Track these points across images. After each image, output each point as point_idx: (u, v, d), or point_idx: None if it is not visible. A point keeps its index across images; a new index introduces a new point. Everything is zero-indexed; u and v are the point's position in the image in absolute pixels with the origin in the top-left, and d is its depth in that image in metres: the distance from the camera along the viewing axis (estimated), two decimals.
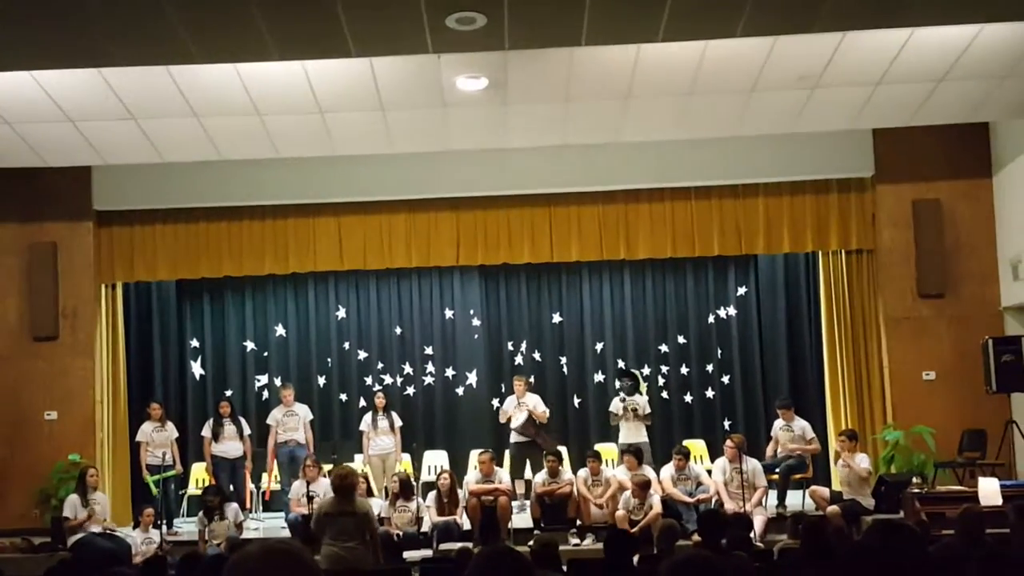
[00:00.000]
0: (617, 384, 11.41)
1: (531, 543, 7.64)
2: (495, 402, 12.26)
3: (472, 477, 10.20)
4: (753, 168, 11.18)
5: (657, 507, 9.55)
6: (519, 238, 11.46)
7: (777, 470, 10.38)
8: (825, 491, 10.15)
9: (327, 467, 10.20)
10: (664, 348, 12.63)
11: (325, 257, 11.53)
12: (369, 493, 10.11)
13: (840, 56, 8.41)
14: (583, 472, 10.18)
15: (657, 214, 11.42)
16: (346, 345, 12.75)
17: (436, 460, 11.90)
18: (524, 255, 11.55)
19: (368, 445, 11.12)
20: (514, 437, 10.98)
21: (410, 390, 12.62)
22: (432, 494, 10.05)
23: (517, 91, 8.90)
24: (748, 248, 11.53)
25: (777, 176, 11.27)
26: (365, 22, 6.95)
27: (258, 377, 12.67)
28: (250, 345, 12.73)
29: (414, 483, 10.25)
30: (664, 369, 12.57)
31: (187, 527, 10.61)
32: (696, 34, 7.72)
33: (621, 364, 12.44)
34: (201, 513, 9.69)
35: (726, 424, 12.40)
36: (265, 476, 11.26)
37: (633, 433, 10.80)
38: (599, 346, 12.66)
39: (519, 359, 12.62)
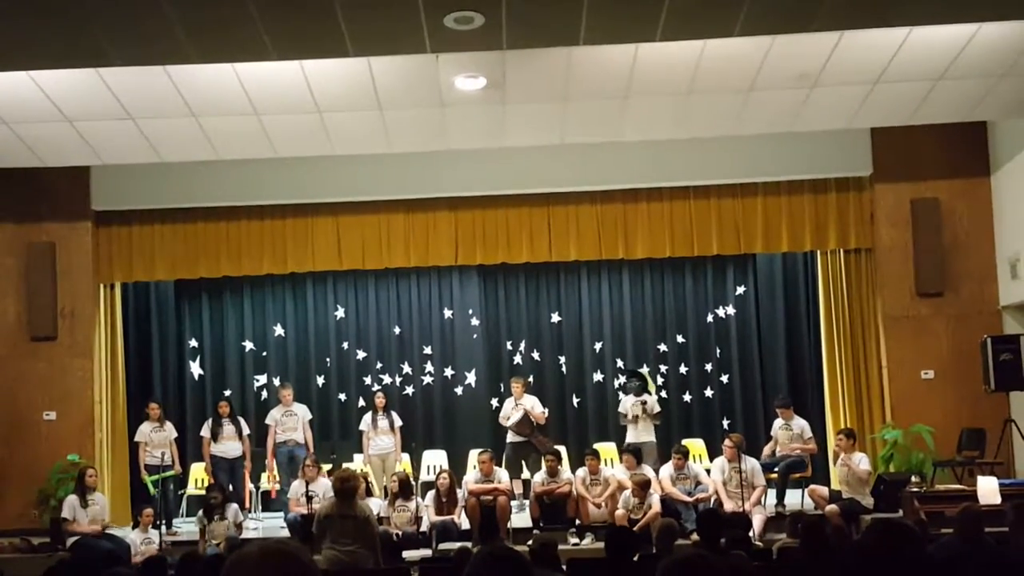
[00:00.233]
0: (623, 383, 11.40)
1: (530, 543, 7.66)
2: (494, 402, 12.28)
3: (472, 477, 10.20)
4: (751, 167, 11.18)
5: (656, 506, 9.55)
6: (518, 238, 11.46)
7: (776, 469, 10.38)
8: (824, 490, 10.17)
9: (326, 467, 10.23)
10: (663, 347, 12.63)
11: (323, 257, 11.53)
12: (369, 493, 10.12)
13: (838, 55, 8.41)
14: (582, 471, 10.18)
15: (655, 213, 11.42)
16: (345, 345, 12.75)
17: (435, 460, 11.90)
18: (523, 255, 11.55)
19: (368, 445, 11.13)
20: (510, 437, 10.98)
21: (409, 390, 12.62)
22: (431, 494, 10.06)
23: (515, 91, 8.89)
24: (747, 247, 11.53)
25: (775, 175, 11.28)
26: (363, 22, 6.95)
27: (257, 377, 12.67)
28: (249, 345, 12.73)
29: (413, 483, 10.25)
30: (663, 368, 12.56)
31: (186, 527, 10.62)
32: (694, 33, 7.71)
33: (620, 364, 12.45)
34: (201, 512, 9.69)
35: (725, 423, 12.40)
36: (265, 476, 11.27)
37: (642, 432, 10.82)
38: (598, 346, 12.66)
39: (518, 359, 12.62)
